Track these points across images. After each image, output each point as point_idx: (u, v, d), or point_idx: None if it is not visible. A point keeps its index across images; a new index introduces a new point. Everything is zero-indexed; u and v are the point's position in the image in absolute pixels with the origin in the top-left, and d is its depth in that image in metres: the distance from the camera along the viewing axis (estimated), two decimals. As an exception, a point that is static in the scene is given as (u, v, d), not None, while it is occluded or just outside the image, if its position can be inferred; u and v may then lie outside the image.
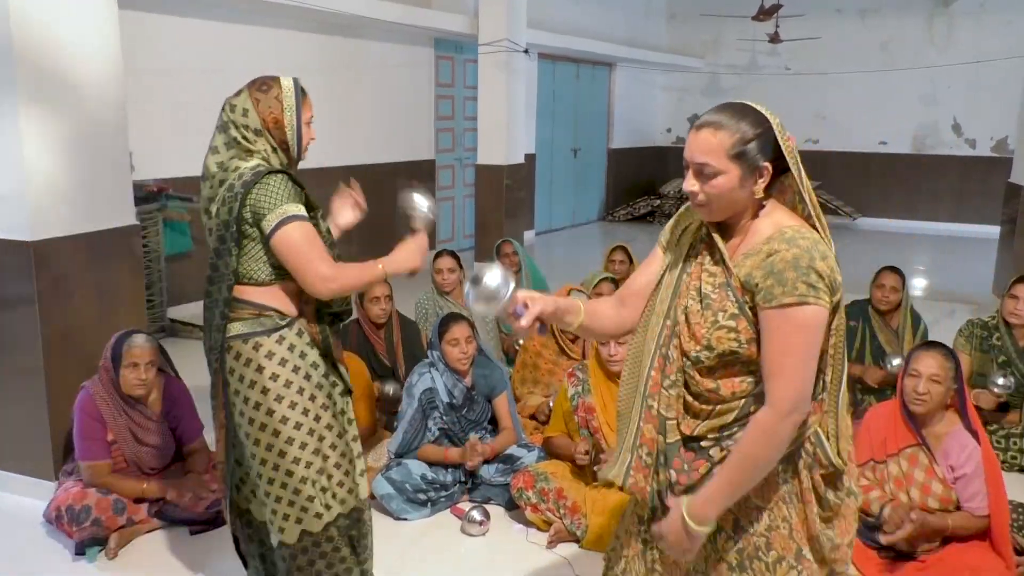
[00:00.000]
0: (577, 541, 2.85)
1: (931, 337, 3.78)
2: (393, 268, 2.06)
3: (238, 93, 2.00)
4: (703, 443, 1.46)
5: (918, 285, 7.44)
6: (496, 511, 3.07)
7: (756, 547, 1.47)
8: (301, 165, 2.09)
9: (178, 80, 5.47)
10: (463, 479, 3.15)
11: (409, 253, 2.08)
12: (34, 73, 2.82)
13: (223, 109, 2.00)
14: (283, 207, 1.89)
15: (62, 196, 2.96)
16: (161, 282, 5.20)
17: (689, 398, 1.46)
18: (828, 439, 1.44)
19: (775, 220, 1.43)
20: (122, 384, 2.77)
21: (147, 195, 4.99)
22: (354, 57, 7.13)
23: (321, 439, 2.05)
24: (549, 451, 3.11)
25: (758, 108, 1.42)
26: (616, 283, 4.14)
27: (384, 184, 7.66)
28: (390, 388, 3.64)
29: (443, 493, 3.09)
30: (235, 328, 1.99)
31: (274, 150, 1.99)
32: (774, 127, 1.40)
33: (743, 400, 1.44)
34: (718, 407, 1.45)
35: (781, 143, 1.40)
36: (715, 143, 1.40)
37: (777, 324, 1.35)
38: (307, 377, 2.02)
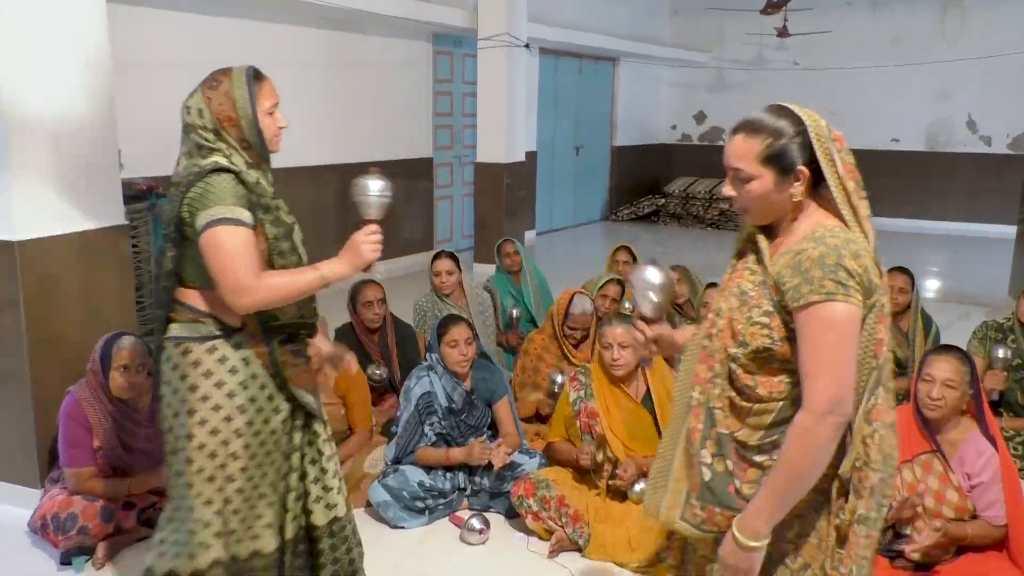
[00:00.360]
0: (579, 550, 2.84)
1: (945, 340, 3.78)
2: (336, 272, 1.92)
3: (192, 93, 1.94)
4: (748, 447, 1.49)
5: (931, 287, 7.44)
6: (496, 519, 3.06)
7: (783, 553, 1.49)
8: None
9: (169, 76, 5.46)
10: (462, 486, 3.13)
11: (354, 250, 1.93)
12: (19, 67, 2.81)
13: (181, 112, 1.94)
14: (216, 208, 1.81)
15: (48, 194, 2.93)
16: (151, 283, 5.20)
17: (732, 393, 1.49)
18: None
19: (815, 221, 1.47)
20: (112, 387, 2.76)
21: (136, 194, 4.95)
22: (350, 52, 7.10)
23: (222, 466, 1.92)
24: (551, 457, 3.11)
25: (795, 110, 1.45)
26: (622, 284, 4.13)
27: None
28: (377, 371, 3.64)
29: (441, 501, 3.08)
30: (172, 329, 1.94)
31: (236, 149, 1.91)
32: (809, 129, 1.43)
33: (780, 403, 1.46)
34: (756, 406, 1.47)
35: (816, 145, 1.42)
36: (746, 148, 1.45)
37: (806, 323, 1.37)
38: (230, 395, 1.91)
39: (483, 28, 7.48)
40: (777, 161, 1.43)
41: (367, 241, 1.93)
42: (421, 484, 3.03)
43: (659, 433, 2.87)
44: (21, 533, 2.88)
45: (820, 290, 1.35)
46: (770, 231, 1.53)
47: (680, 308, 4.40)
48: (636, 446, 2.93)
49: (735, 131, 1.47)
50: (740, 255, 1.58)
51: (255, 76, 1.94)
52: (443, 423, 3.10)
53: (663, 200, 11.50)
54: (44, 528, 2.72)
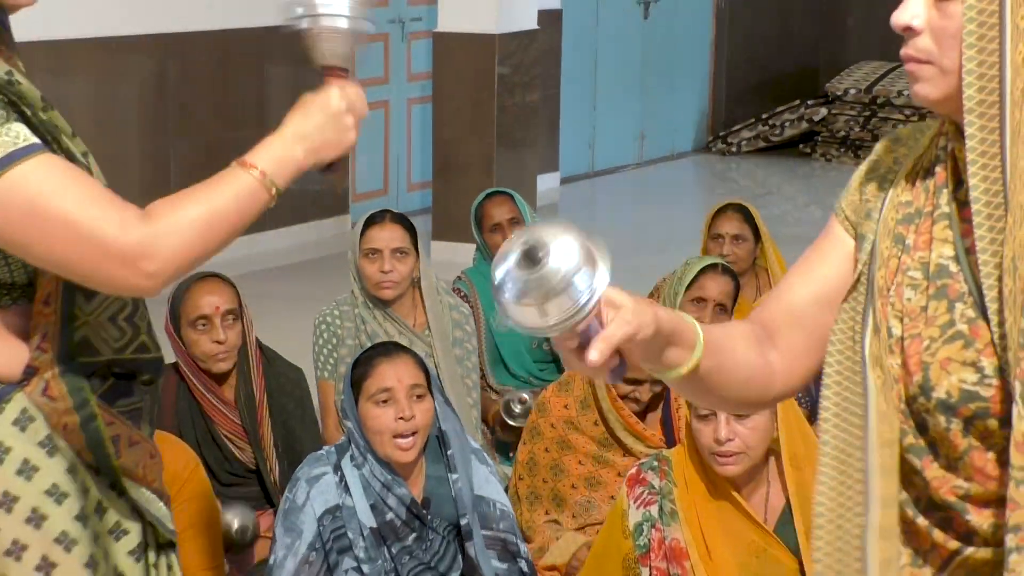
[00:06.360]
0: None
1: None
2: (285, 165, 2.00)
3: None
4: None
5: None
6: None
7: None
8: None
9: None
10: None
11: (322, 119, 2.03)
12: None
13: None
14: None
15: None
16: None
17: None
18: None
19: None
20: None
21: None
22: None
23: None
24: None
25: None
26: (733, 275, 4.25)
27: (234, 69, 7.52)
28: (235, 520, 3.77)
29: None
30: None
31: None
32: None
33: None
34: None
35: None
36: None
37: None
38: (6, 510, 2.03)
39: None
40: None
41: (354, 102, 2.08)
42: None
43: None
44: None
45: None
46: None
47: None
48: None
49: None
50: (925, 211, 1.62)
51: None
52: (365, 569, 3.17)
53: (824, 111, 11.63)
54: None
